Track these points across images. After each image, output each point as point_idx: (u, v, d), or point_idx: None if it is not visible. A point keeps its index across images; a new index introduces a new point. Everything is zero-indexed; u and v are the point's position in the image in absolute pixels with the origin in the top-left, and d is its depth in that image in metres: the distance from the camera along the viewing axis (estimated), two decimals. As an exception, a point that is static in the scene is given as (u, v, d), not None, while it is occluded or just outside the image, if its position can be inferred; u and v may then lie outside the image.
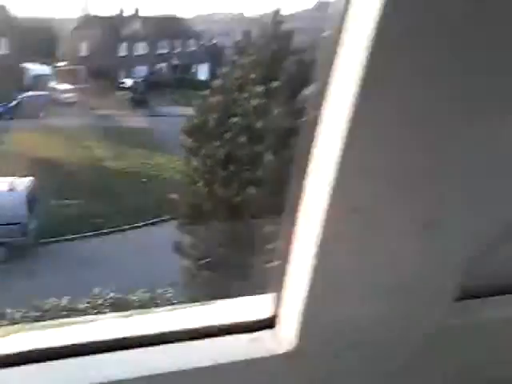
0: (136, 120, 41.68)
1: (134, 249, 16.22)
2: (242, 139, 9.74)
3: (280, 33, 9.92)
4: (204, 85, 14.78)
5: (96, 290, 8.68)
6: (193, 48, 76.68)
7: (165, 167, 24.62)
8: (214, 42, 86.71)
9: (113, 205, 19.46)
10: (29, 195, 12.99)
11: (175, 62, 72.62)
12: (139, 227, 18.71)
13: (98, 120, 40.41)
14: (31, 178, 13.62)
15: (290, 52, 9.90)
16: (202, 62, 73.86)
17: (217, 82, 10.40)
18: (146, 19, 72.52)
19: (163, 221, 17.23)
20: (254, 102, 9.50)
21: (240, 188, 10.16)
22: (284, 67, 9.70)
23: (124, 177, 24.33)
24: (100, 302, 8.47)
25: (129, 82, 59.22)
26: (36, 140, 21.26)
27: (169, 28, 74.29)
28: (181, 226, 11.60)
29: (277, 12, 9.87)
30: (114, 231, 17.80)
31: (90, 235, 15.47)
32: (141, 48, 65.44)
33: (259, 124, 9.55)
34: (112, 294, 8.62)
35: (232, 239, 10.62)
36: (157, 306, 8.36)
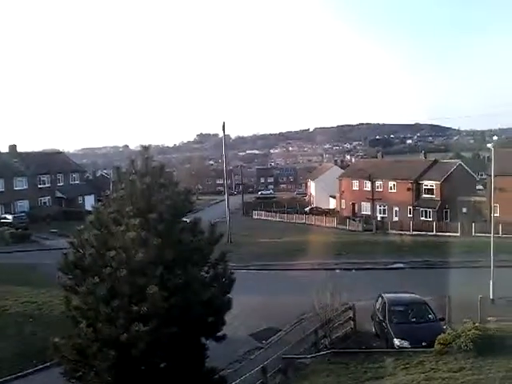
0: (19, 255, 39.52)
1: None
2: (123, 273, 9.49)
3: (152, 166, 10.21)
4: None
5: None
6: (77, 181, 76.11)
7: (51, 304, 23.35)
8: (100, 173, 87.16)
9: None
10: None
11: (59, 195, 71.05)
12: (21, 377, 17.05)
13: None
14: None
15: (162, 185, 10.17)
16: (87, 193, 73.21)
17: (91, 217, 10.29)
18: (26, 154, 71.41)
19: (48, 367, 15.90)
20: (131, 234, 9.44)
21: (126, 324, 9.71)
22: (158, 200, 9.89)
23: (7, 317, 22.56)
24: None
25: (10, 217, 56.67)
26: None
27: (51, 162, 73.44)
28: (66, 372, 10.72)
29: (146, 148, 10.23)
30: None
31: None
32: (20, 183, 63.47)
33: (139, 256, 9.43)
34: None
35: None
36: None
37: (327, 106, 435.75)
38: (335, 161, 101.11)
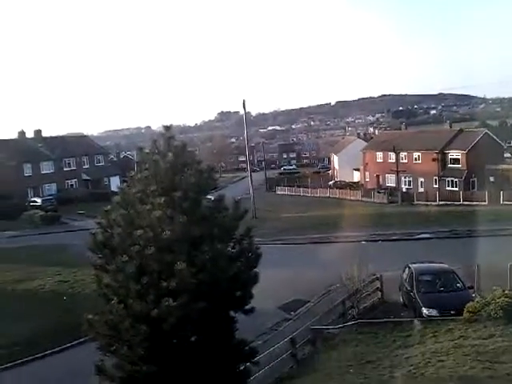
0: (49, 237, 40.43)
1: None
2: (151, 250, 9.64)
3: (174, 146, 10.27)
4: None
5: None
6: (102, 163, 77.04)
7: (83, 283, 23.97)
8: (124, 155, 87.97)
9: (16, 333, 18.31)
10: None
11: (85, 177, 72.10)
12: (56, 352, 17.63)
13: (7, 241, 38.75)
14: None
15: (186, 164, 10.22)
16: (112, 175, 74.18)
17: (117, 197, 10.44)
18: (51, 139, 72.52)
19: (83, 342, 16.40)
20: (157, 213, 9.56)
21: (156, 300, 9.90)
22: (182, 178, 9.96)
23: (42, 295, 23.32)
24: None
25: (39, 201, 58.00)
26: None
27: (76, 145, 74.37)
28: (102, 347, 11.02)
29: (168, 128, 10.28)
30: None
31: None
32: (47, 167, 64.57)
33: (166, 234, 9.55)
34: None
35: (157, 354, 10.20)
36: None
37: (348, 79, 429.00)
38: (358, 134, 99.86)
